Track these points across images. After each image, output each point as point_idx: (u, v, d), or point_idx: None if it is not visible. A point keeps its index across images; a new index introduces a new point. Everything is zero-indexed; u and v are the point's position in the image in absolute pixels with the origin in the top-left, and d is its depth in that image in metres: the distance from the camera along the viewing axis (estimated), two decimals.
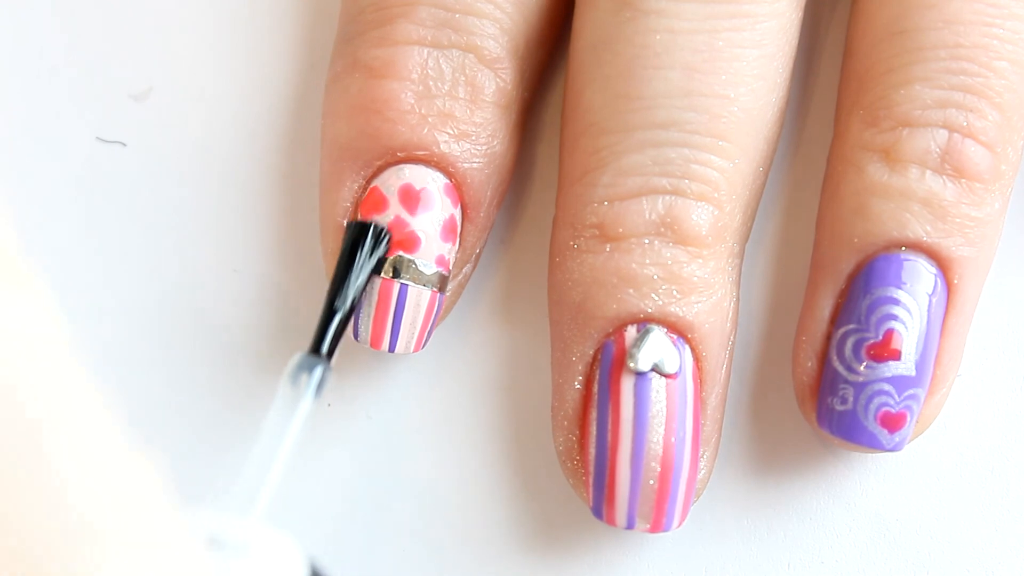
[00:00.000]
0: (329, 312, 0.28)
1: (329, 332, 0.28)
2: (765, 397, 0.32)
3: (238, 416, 0.32)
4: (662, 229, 0.29)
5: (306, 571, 0.23)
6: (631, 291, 0.29)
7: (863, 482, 0.31)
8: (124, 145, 0.33)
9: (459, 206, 0.30)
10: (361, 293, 0.28)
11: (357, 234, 0.29)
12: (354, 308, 0.28)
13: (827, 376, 0.30)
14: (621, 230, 0.29)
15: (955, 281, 0.29)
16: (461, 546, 0.31)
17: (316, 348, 0.27)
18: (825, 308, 0.30)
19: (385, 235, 0.29)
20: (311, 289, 0.32)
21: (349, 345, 0.32)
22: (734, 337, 0.30)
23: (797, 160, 0.33)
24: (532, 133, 0.33)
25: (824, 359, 0.30)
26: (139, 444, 0.19)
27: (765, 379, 0.32)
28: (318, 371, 0.27)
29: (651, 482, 0.28)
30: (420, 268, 0.29)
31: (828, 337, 0.30)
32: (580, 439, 0.30)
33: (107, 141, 0.33)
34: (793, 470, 0.31)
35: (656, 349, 0.29)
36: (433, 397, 0.32)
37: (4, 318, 0.17)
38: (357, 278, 0.28)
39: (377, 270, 0.29)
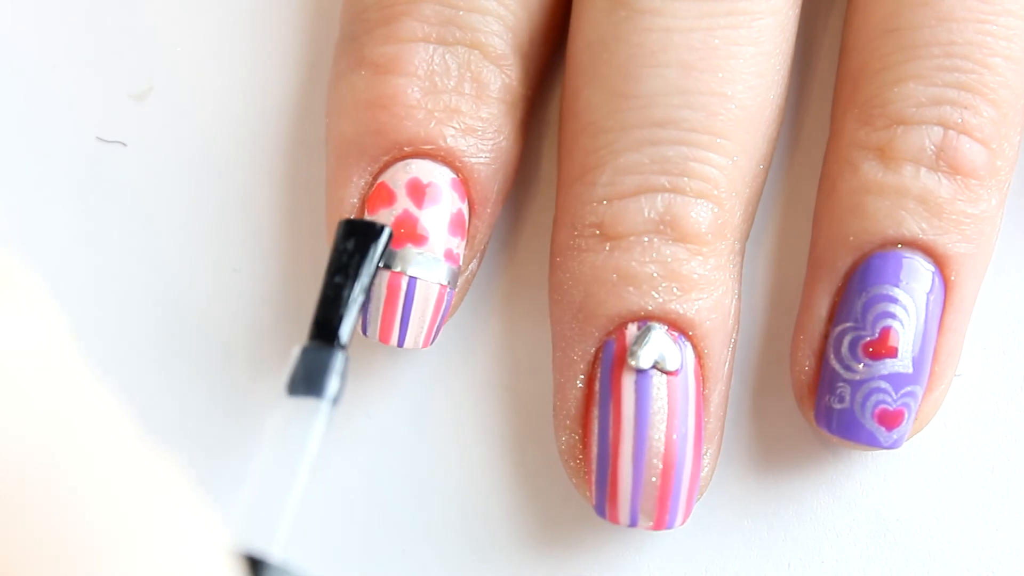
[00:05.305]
0: (338, 297, 0.27)
1: (347, 319, 0.26)
2: (765, 396, 0.32)
3: (237, 416, 0.32)
4: (661, 227, 0.29)
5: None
6: (631, 289, 0.29)
7: (863, 482, 0.31)
8: (124, 145, 0.33)
9: (466, 201, 0.30)
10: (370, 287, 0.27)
11: (356, 231, 0.28)
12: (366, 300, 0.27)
13: (825, 374, 0.30)
14: (620, 229, 0.29)
15: (952, 278, 0.29)
16: (462, 545, 0.31)
17: (331, 336, 0.26)
18: (822, 307, 0.30)
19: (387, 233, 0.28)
20: (311, 289, 0.32)
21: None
22: (736, 334, 0.30)
23: (797, 159, 0.33)
24: (534, 132, 0.33)
25: (822, 357, 0.30)
26: (157, 446, 0.19)
27: (766, 378, 0.32)
28: (338, 364, 0.26)
29: (653, 479, 0.28)
30: (429, 262, 0.29)
31: (825, 336, 0.30)
32: (582, 438, 0.30)
33: (107, 141, 0.33)
34: (793, 470, 0.31)
35: (657, 346, 0.29)
36: (434, 396, 0.32)
37: (7, 331, 0.17)
38: (368, 269, 0.27)
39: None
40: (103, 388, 0.18)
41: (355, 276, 0.27)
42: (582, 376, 0.30)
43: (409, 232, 0.29)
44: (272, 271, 0.33)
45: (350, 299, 0.27)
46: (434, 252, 0.29)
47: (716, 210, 0.29)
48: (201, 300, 0.32)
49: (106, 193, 0.33)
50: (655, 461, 0.28)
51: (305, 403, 0.25)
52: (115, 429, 0.18)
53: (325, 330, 0.26)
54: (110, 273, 0.32)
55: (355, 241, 0.27)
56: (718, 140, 0.29)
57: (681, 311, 0.29)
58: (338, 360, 0.26)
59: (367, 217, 0.30)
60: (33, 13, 0.34)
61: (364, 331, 0.30)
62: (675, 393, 0.29)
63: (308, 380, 0.25)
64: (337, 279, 0.27)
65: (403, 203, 0.29)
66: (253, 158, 0.33)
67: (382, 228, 0.28)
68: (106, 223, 0.33)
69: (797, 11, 0.31)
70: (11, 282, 0.18)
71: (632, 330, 0.29)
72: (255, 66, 0.34)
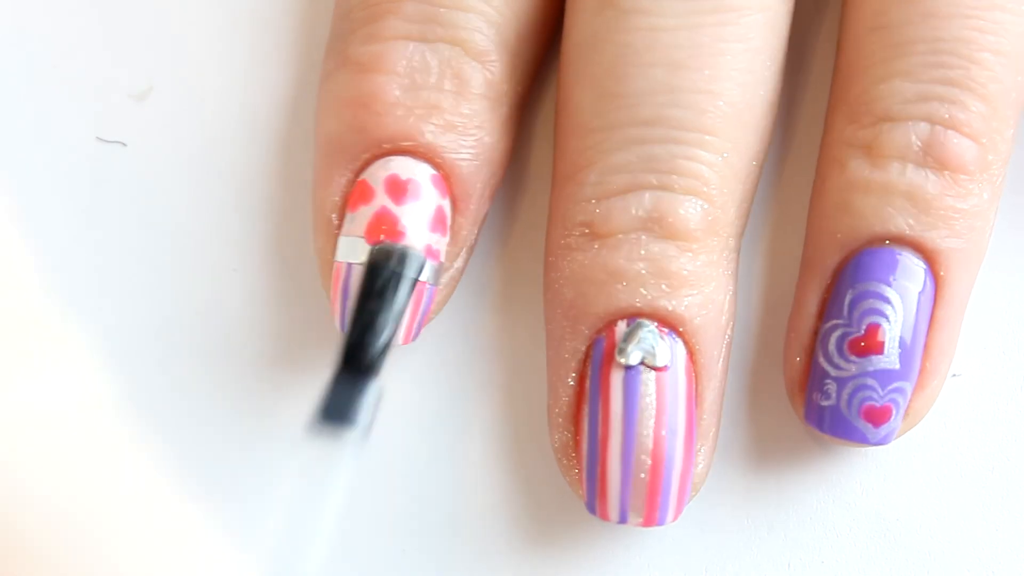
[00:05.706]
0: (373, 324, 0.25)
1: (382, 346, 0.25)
2: (765, 396, 0.32)
3: (236, 415, 0.32)
4: (650, 224, 0.29)
5: None
6: (620, 286, 0.29)
7: (863, 482, 0.31)
8: (124, 145, 0.33)
9: (448, 197, 0.30)
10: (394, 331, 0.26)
11: (391, 256, 0.26)
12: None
13: (813, 372, 0.30)
14: (609, 227, 0.29)
15: (942, 273, 0.29)
16: (459, 545, 0.31)
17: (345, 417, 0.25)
18: (812, 304, 0.30)
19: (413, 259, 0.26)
20: (311, 289, 0.32)
21: None
22: (731, 331, 0.30)
23: (793, 157, 0.33)
24: (530, 131, 0.33)
25: (811, 355, 0.30)
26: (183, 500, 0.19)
27: (765, 377, 0.32)
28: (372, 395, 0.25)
29: (642, 475, 0.28)
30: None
31: (815, 333, 0.30)
32: (574, 435, 0.30)
33: (107, 141, 0.33)
34: (794, 470, 0.31)
35: (645, 342, 0.29)
36: (431, 396, 0.32)
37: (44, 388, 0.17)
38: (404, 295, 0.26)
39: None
40: (135, 444, 0.18)
41: (391, 303, 0.26)
42: (573, 374, 0.30)
43: (388, 229, 0.29)
44: (272, 271, 0.33)
45: (385, 326, 0.26)
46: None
47: (706, 207, 0.29)
48: (201, 300, 0.32)
49: (106, 193, 0.33)
50: (643, 457, 0.28)
51: (335, 433, 0.24)
52: (144, 485, 0.18)
53: (358, 358, 0.25)
54: (109, 273, 0.33)
55: (391, 266, 0.26)
56: (707, 137, 0.29)
57: (670, 307, 0.29)
58: (372, 391, 0.25)
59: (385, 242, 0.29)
60: (33, 13, 0.34)
61: (342, 328, 0.30)
62: (664, 389, 0.29)
63: (340, 410, 0.25)
64: (372, 305, 0.26)
65: (381, 199, 0.29)
66: (253, 158, 0.33)
67: (416, 255, 0.27)
68: (106, 223, 0.33)
69: (789, 7, 0.31)
70: (54, 339, 0.18)
71: (621, 327, 0.29)
72: (255, 66, 0.34)
